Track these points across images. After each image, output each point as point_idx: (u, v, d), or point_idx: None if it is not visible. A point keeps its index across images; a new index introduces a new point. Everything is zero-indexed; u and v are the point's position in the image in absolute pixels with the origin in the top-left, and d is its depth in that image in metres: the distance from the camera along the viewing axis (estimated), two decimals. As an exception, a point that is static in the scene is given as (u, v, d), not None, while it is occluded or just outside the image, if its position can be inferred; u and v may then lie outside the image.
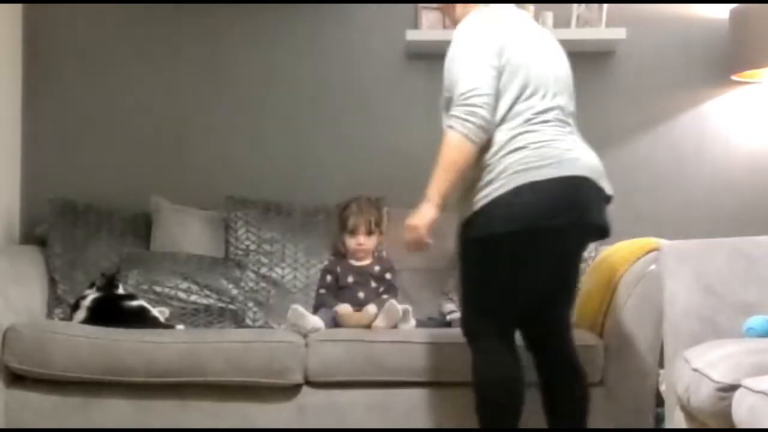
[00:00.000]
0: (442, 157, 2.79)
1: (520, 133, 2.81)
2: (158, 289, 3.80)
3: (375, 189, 4.06)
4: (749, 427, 2.23)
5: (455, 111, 2.78)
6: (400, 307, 3.51)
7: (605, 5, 4.18)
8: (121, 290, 3.67)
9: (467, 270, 2.91)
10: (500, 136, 2.81)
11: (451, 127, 2.78)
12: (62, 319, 3.71)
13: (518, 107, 2.84)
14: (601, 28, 4.16)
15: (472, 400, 2.91)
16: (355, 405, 3.36)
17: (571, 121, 2.93)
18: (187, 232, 4.01)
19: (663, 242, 3.26)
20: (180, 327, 3.63)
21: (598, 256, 3.73)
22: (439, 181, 2.80)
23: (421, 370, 3.36)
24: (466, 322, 2.97)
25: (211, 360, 3.33)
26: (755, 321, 2.84)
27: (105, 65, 4.31)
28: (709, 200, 4.26)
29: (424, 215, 2.82)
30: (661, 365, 3.31)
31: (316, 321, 3.53)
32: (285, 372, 3.34)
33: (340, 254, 3.93)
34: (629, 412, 3.36)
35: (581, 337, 3.39)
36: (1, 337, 3.36)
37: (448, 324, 3.71)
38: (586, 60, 4.11)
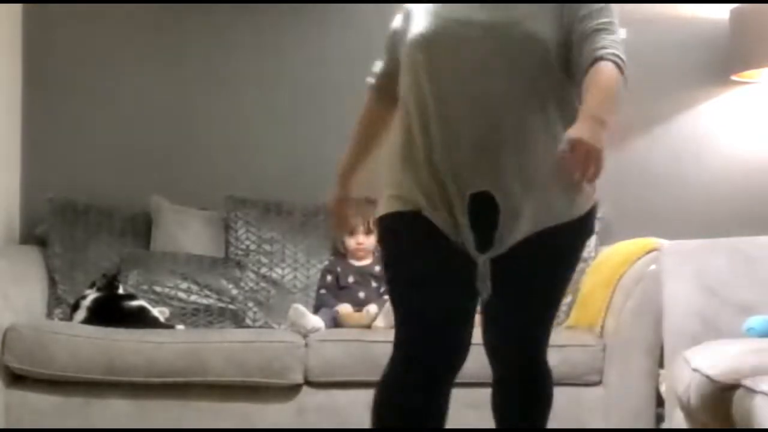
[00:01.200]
0: (610, 84, 2.17)
1: None
2: (158, 289, 3.80)
3: (375, 189, 4.05)
4: (749, 427, 2.23)
5: (619, 50, 2.26)
6: (400, 307, 3.51)
7: (605, 5, 4.18)
8: (121, 290, 3.67)
9: (569, 273, 2.33)
10: None
11: (616, 63, 2.23)
12: (62, 319, 3.71)
13: None
14: (600, 28, 4.16)
15: None
16: (355, 405, 3.36)
17: None
18: (187, 232, 4.01)
19: (663, 242, 3.26)
20: (180, 327, 3.63)
21: (597, 257, 3.74)
22: (611, 107, 2.11)
23: (421, 370, 3.35)
24: (545, 344, 2.43)
25: (212, 360, 3.33)
26: (755, 321, 2.84)
27: (105, 65, 4.30)
28: (709, 200, 4.26)
29: (598, 135, 1.95)
30: (661, 365, 3.31)
31: (316, 321, 3.53)
32: (285, 372, 3.35)
33: (341, 254, 3.93)
34: (629, 412, 3.37)
35: (581, 337, 3.39)
36: (1, 337, 3.36)
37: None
38: (586, 60, 4.11)
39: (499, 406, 2.48)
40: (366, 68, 4.31)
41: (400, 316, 2.25)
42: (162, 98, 4.31)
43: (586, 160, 1.92)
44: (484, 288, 2.17)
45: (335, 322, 3.62)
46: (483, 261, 2.16)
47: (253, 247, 3.98)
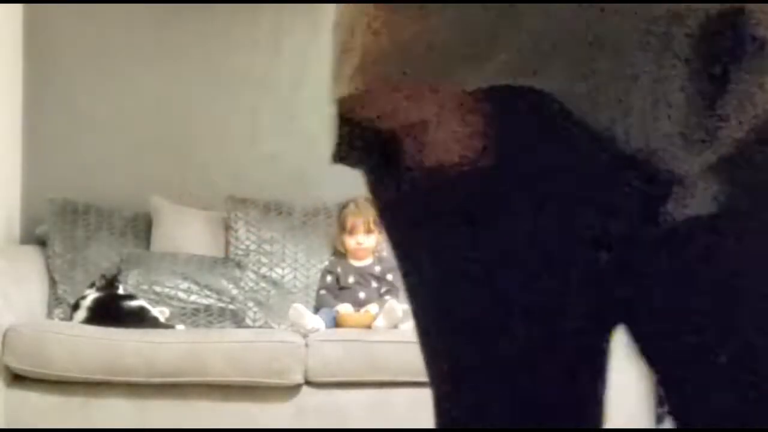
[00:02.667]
0: None
1: None
2: (158, 289, 3.80)
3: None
4: (749, 427, 2.23)
5: None
6: (400, 306, 3.51)
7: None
8: (121, 290, 3.67)
9: None
10: None
11: None
12: (62, 319, 3.71)
13: None
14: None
15: None
16: (355, 405, 3.36)
17: None
18: (187, 232, 4.01)
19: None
20: (180, 327, 3.63)
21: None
22: None
23: (421, 370, 3.34)
24: None
25: (212, 360, 3.33)
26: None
27: (105, 65, 4.30)
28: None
29: None
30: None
31: (316, 321, 3.54)
32: (285, 372, 3.35)
33: (341, 254, 3.93)
34: (629, 412, 3.36)
35: (581, 337, 3.39)
36: (1, 337, 3.36)
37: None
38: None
39: None
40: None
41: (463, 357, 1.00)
42: (162, 98, 4.31)
43: None
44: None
45: (335, 322, 3.62)
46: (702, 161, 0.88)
47: (253, 247, 3.98)
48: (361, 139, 1.01)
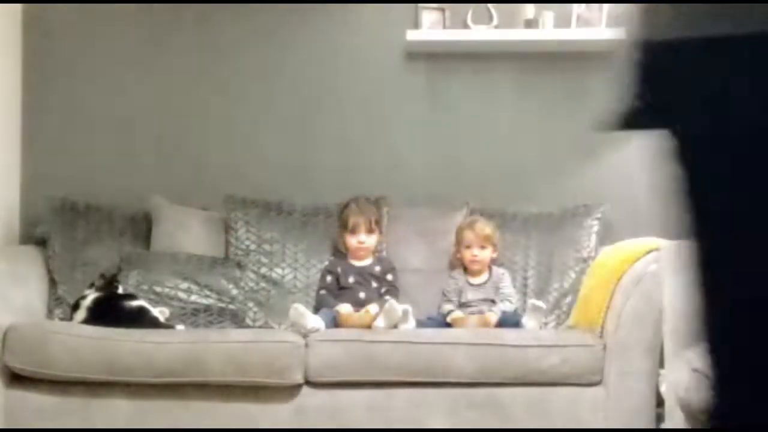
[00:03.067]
0: None
1: None
2: (158, 289, 3.80)
3: (375, 189, 4.05)
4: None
5: None
6: (400, 307, 3.51)
7: (605, 5, 4.18)
8: (121, 290, 3.67)
9: None
10: None
11: None
12: (62, 319, 3.71)
13: None
14: (601, 28, 4.17)
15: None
16: (355, 405, 3.36)
17: None
18: (187, 232, 4.01)
19: (663, 242, 3.26)
20: (180, 327, 3.63)
21: (598, 256, 3.74)
22: None
23: (421, 370, 3.35)
24: None
25: (212, 360, 3.33)
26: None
27: (105, 65, 4.30)
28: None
29: None
30: (661, 365, 3.31)
31: (316, 321, 3.53)
32: (285, 372, 3.34)
33: (341, 254, 3.93)
34: (629, 412, 3.36)
35: (581, 337, 3.39)
36: (1, 337, 3.36)
37: (448, 324, 3.71)
38: (586, 60, 4.11)
39: None
40: (366, 68, 4.33)
41: None
42: (162, 98, 4.31)
43: None
44: None
45: (335, 322, 3.61)
46: None
47: (253, 247, 3.98)
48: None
